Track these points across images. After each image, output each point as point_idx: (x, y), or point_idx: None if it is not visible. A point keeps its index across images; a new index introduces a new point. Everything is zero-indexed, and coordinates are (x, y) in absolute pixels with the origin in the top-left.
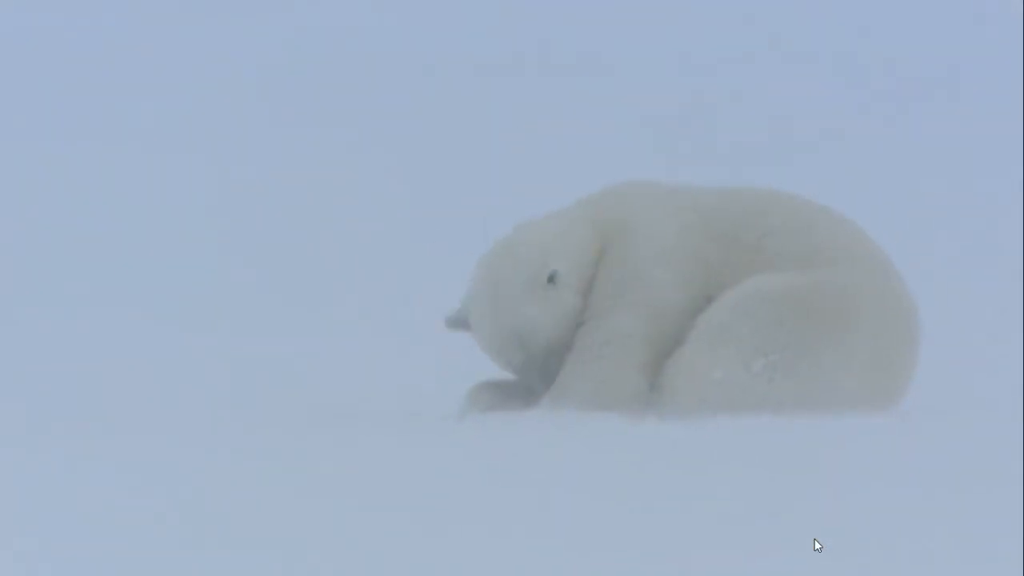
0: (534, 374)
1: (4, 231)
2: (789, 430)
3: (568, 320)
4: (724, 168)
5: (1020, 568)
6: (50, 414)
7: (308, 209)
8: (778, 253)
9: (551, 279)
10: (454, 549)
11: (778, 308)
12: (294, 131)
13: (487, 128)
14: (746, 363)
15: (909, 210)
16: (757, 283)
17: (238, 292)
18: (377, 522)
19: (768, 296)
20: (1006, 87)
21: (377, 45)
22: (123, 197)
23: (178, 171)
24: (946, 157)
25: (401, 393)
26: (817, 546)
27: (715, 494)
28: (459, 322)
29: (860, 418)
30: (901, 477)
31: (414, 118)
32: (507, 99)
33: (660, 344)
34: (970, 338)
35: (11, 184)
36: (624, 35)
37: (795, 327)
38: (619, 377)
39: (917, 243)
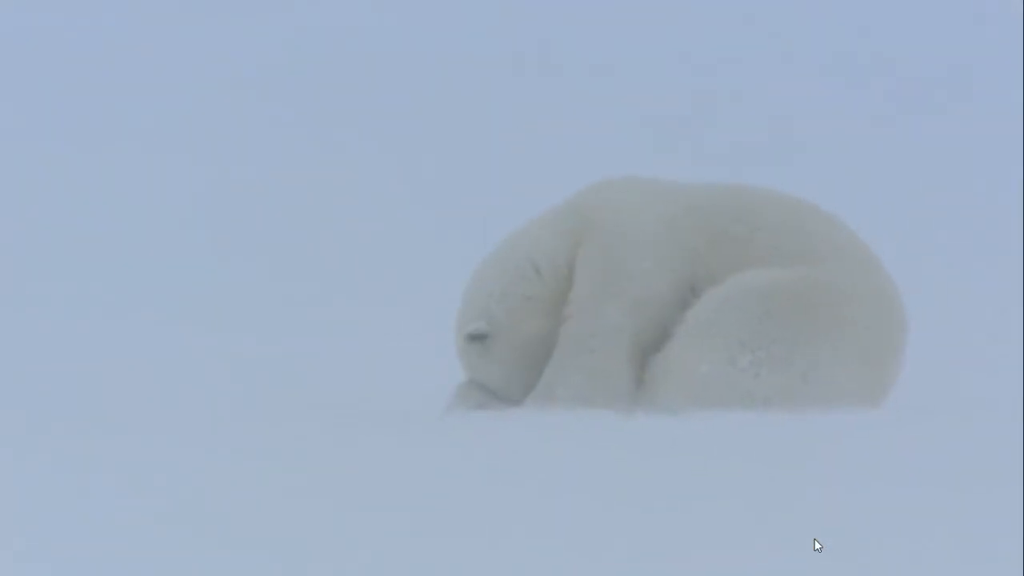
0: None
1: (4, 231)
2: (779, 426)
3: (537, 337)
4: (724, 168)
5: (1020, 568)
6: (50, 414)
7: (308, 209)
8: (769, 249)
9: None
10: (452, 547)
11: (766, 303)
12: (294, 131)
13: (487, 128)
14: (732, 358)
15: (909, 210)
16: (746, 278)
17: (238, 292)
18: (376, 521)
19: (756, 291)
20: (1006, 87)
21: (377, 45)
22: (123, 197)
23: (178, 171)
24: (946, 157)
25: (401, 393)
26: (817, 546)
27: (705, 490)
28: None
29: (851, 414)
30: (897, 475)
31: (414, 118)
32: (507, 99)
33: (646, 336)
34: (969, 338)
35: (11, 184)
36: (624, 35)
37: (783, 322)
38: (608, 370)
39: (917, 243)
